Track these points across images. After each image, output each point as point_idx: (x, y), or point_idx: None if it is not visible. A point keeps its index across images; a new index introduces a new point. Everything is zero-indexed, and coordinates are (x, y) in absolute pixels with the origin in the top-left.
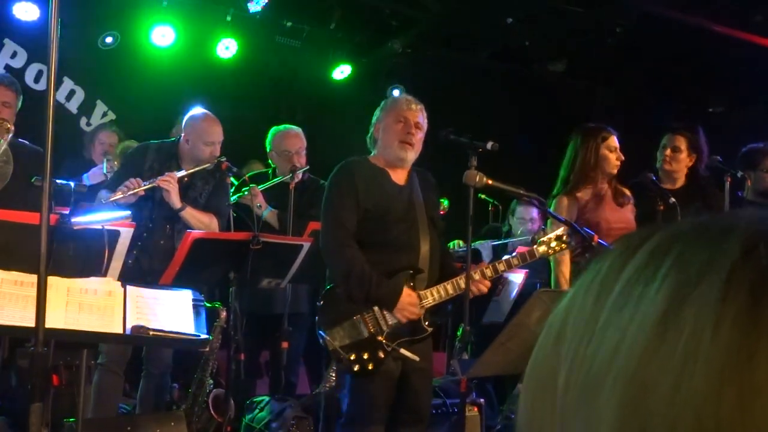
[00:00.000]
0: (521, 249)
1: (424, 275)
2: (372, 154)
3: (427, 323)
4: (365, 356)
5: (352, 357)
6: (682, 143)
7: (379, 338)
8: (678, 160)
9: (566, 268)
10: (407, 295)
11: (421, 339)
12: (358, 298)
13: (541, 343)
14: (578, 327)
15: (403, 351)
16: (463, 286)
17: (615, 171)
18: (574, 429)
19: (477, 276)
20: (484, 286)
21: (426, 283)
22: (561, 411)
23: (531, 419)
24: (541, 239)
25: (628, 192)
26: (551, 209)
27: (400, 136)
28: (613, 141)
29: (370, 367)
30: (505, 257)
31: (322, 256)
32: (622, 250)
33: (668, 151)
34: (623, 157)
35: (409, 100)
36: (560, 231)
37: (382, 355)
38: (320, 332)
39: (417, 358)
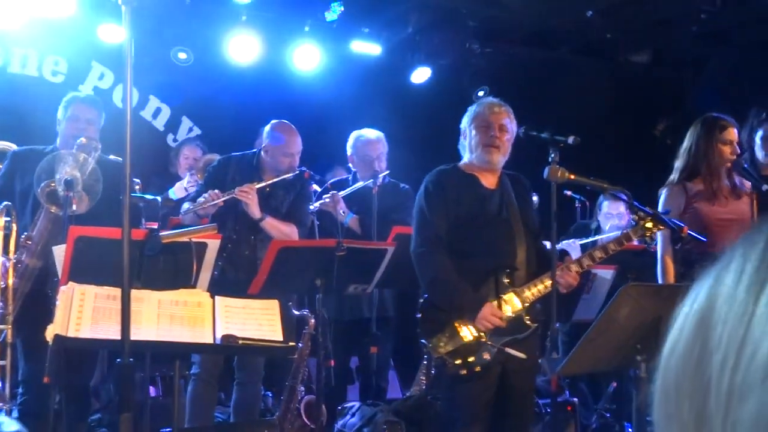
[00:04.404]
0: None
1: (522, 273)
2: (463, 160)
3: (528, 319)
4: (470, 359)
5: (458, 362)
6: None
7: (483, 339)
8: None
9: (670, 259)
10: (488, 306)
11: (524, 337)
12: (442, 305)
13: (681, 328)
14: (730, 312)
15: (508, 350)
16: (558, 281)
17: (729, 164)
18: (747, 407)
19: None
20: (572, 279)
21: (524, 281)
22: (726, 392)
23: (672, 401)
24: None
25: (747, 183)
26: (660, 199)
27: (484, 140)
28: (731, 134)
29: (477, 370)
30: (591, 249)
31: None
32: None
33: None
34: (739, 151)
35: (492, 103)
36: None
37: (487, 356)
38: (423, 341)
39: (524, 356)
